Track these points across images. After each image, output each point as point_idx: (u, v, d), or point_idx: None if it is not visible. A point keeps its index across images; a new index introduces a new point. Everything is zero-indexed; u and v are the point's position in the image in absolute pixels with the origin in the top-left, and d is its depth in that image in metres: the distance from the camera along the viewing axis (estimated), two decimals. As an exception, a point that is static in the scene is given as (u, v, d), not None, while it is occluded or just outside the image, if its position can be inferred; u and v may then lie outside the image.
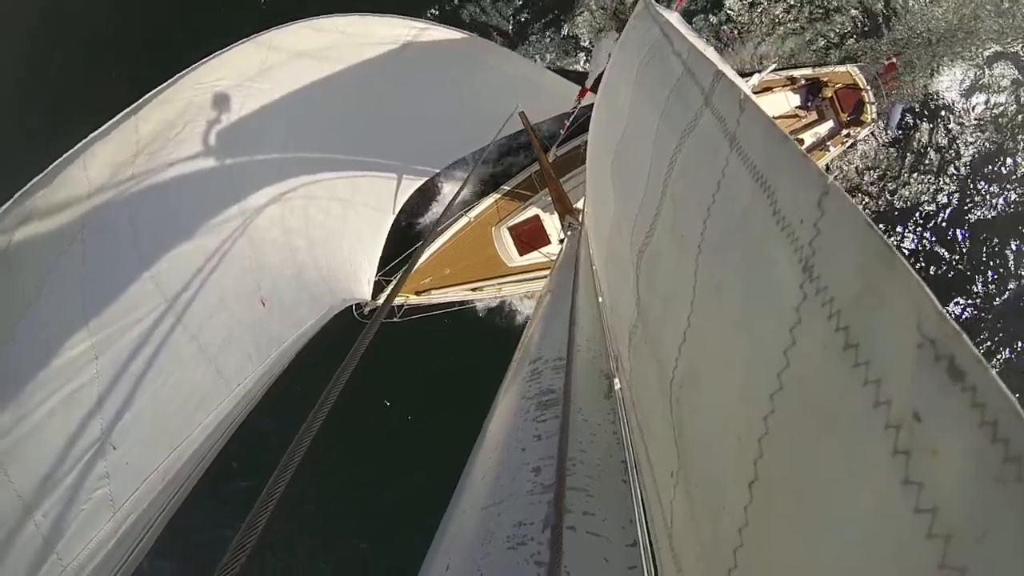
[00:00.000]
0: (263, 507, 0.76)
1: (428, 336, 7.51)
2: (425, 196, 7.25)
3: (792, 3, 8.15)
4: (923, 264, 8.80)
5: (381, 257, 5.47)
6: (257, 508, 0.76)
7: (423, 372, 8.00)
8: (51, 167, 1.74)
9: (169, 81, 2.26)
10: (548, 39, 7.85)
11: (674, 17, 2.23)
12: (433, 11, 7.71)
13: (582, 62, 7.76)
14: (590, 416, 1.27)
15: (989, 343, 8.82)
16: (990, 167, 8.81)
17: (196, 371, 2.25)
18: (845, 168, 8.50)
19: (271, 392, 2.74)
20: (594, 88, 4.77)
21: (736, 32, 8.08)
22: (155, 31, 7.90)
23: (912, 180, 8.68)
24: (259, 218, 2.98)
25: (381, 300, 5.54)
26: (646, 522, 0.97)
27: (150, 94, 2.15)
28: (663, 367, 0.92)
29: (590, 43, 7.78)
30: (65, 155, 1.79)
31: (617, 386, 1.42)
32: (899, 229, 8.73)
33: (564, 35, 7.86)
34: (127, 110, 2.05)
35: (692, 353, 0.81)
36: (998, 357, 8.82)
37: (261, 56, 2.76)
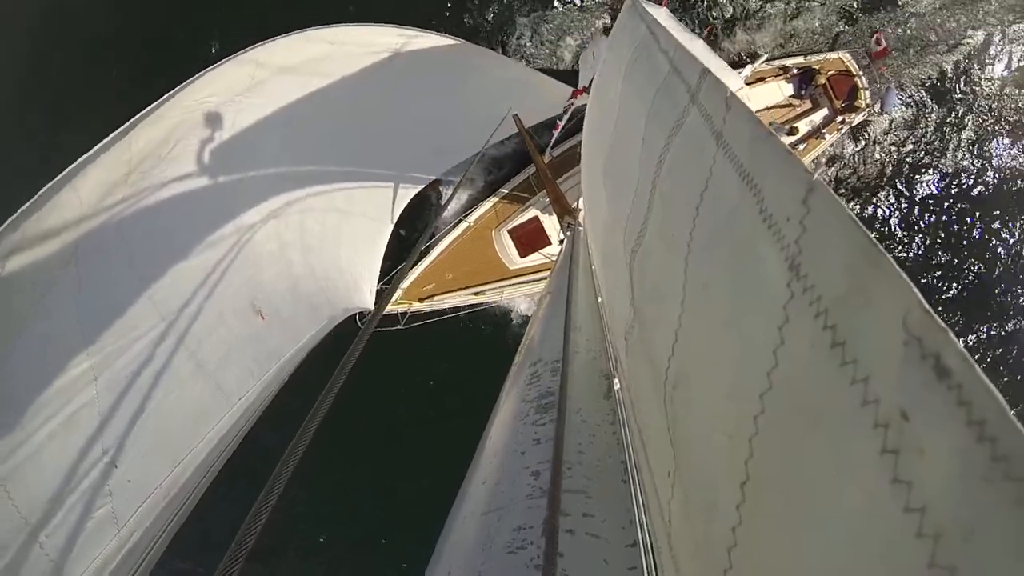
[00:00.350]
0: (258, 514, 0.77)
1: (432, 342, 7.52)
2: (424, 203, 7.26)
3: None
4: (914, 251, 8.76)
5: (384, 266, 5.47)
6: (252, 515, 0.76)
7: (427, 378, 8.01)
8: (42, 191, 1.74)
9: (159, 100, 2.26)
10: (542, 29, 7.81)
11: (662, 13, 2.23)
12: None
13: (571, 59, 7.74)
14: (589, 417, 1.26)
15: (983, 334, 8.76)
16: (986, 148, 8.77)
17: (196, 387, 2.25)
18: (840, 154, 8.47)
19: (274, 404, 2.75)
20: (588, 88, 4.76)
21: (725, 23, 8.08)
22: (155, 31, 7.93)
23: (907, 163, 8.65)
24: (255, 233, 2.99)
25: (385, 309, 5.53)
26: (646, 523, 0.96)
27: (140, 114, 2.15)
28: (657, 367, 0.92)
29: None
30: (56, 178, 1.79)
31: (616, 386, 1.42)
32: (891, 217, 8.70)
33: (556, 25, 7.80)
34: (117, 131, 2.05)
35: (684, 353, 0.81)
36: (988, 350, 8.76)
37: (250, 71, 2.76)
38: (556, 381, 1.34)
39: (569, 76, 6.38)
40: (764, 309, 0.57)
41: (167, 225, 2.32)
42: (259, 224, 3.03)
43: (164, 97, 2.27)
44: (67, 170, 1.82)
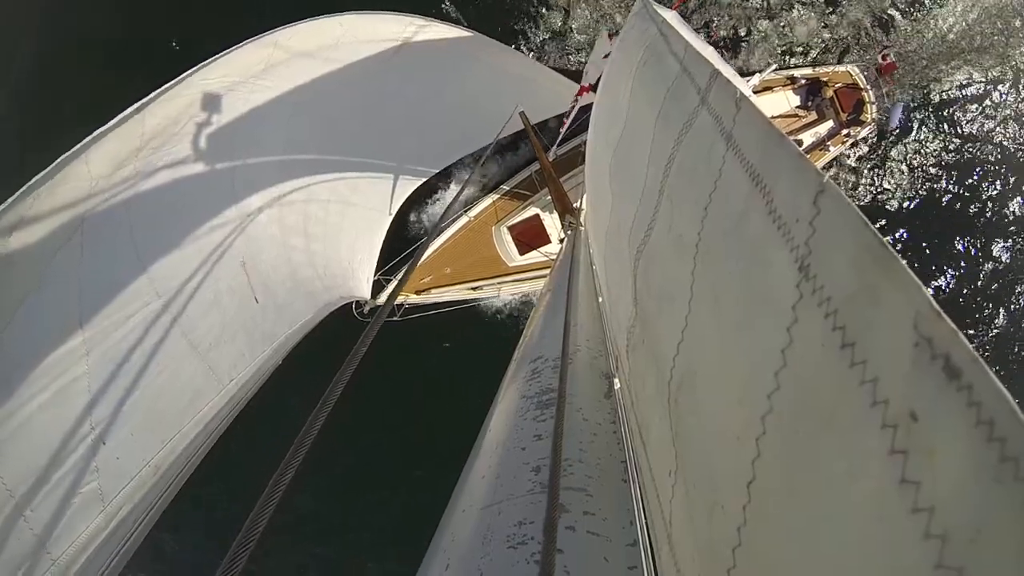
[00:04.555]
0: (263, 508, 0.76)
1: (428, 335, 7.51)
2: (425, 196, 7.24)
3: (795, 2, 8.14)
4: (923, 256, 8.80)
5: (381, 257, 5.47)
6: (257, 509, 0.76)
7: (422, 371, 8.00)
8: (55, 163, 1.74)
9: (176, 80, 2.27)
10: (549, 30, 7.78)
11: (671, 15, 2.23)
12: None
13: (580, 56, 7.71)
14: (590, 416, 1.26)
15: (991, 335, 8.82)
16: (992, 164, 8.81)
17: (188, 367, 2.24)
18: (845, 166, 8.49)
19: (269, 388, 2.75)
20: (593, 87, 4.75)
21: (735, 32, 8.07)
22: (155, 31, 7.90)
23: (912, 178, 8.68)
24: (258, 216, 2.98)
25: (381, 299, 5.54)
26: (646, 522, 0.97)
27: (156, 92, 2.15)
28: (661, 367, 0.92)
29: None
30: (70, 151, 1.79)
31: (616, 386, 1.42)
32: (899, 226, 8.74)
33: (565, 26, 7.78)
34: (133, 107, 2.05)
35: (690, 353, 0.81)
36: (997, 352, 8.81)
37: (265, 55, 2.77)
38: (557, 378, 1.34)
39: (578, 74, 6.36)
40: (773, 309, 0.57)
41: (172, 203, 2.31)
42: (263, 208, 3.02)
43: (181, 76, 2.27)
44: (82, 142, 1.82)
